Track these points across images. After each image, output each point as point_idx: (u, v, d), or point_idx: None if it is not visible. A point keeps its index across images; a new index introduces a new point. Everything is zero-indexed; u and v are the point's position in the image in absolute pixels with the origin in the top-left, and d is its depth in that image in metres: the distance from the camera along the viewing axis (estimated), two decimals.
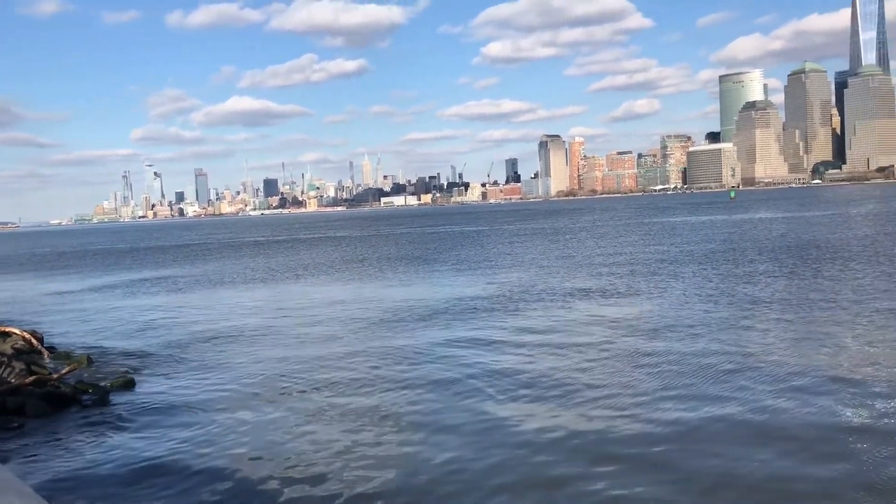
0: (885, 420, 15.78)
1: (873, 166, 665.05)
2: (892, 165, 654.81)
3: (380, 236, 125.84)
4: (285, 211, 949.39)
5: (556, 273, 48.49)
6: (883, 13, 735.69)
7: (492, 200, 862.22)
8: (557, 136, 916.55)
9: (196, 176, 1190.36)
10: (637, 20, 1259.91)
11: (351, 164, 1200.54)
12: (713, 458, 14.23)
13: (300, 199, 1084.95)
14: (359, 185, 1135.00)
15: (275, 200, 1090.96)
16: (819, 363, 20.74)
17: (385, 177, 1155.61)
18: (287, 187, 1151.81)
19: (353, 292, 44.37)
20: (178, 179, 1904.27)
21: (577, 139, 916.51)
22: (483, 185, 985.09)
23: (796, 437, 15.11)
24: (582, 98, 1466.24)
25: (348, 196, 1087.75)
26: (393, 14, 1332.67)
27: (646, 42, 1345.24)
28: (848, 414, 16.36)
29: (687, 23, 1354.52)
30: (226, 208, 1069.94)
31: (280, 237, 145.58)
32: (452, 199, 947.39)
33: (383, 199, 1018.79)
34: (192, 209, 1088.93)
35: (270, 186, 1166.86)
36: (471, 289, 42.27)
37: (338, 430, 17.16)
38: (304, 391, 20.81)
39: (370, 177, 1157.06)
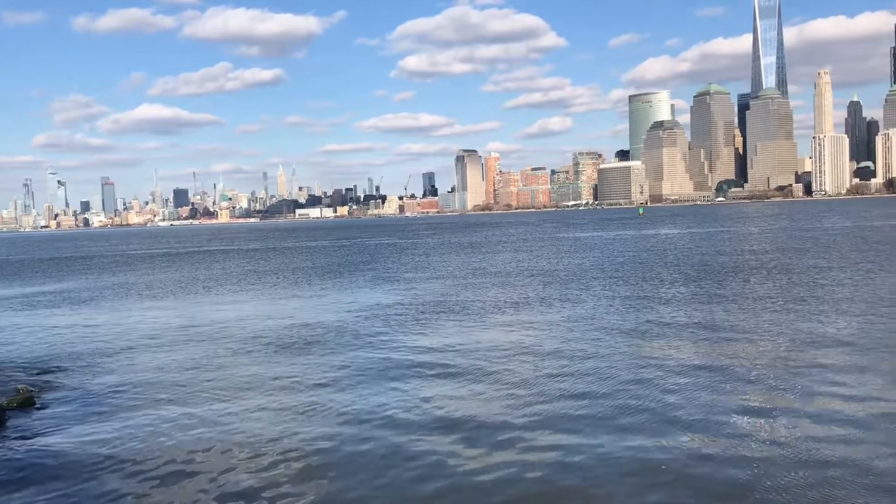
0: (788, 420, 16.77)
1: (773, 185, 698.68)
2: (791, 185, 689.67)
3: (295, 249, 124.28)
4: (196, 222, 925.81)
5: (471, 286, 49.03)
6: (782, 39, 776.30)
7: (409, 213, 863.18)
8: (474, 150, 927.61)
9: (103, 185, 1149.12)
10: (552, 39, 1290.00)
11: (265, 174, 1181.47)
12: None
13: (212, 209, 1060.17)
14: (273, 197, 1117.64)
15: (185, 211, 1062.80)
16: (720, 365, 21.80)
17: (300, 188, 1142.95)
18: (198, 197, 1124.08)
19: (263, 306, 43.74)
20: (84, 188, 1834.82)
21: (493, 154, 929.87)
22: (400, 198, 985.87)
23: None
24: (498, 114, 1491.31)
25: (262, 207, 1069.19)
26: (310, 24, 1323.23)
27: (560, 61, 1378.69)
28: (734, 404, 17.28)
29: (599, 43, 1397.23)
30: (134, 219, 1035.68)
31: (190, 248, 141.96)
32: (369, 212, 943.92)
33: (298, 211, 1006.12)
34: (97, 219, 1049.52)
35: (181, 197, 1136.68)
36: (385, 301, 42.31)
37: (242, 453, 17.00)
38: (210, 413, 20.46)
39: (285, 188, 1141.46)
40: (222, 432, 17.92)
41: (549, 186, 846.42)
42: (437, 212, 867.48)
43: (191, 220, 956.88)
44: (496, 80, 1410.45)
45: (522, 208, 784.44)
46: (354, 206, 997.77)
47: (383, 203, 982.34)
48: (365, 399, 20.59)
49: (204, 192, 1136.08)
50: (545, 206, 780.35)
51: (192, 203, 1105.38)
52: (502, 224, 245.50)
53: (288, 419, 18.88)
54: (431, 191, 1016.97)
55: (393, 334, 31.00)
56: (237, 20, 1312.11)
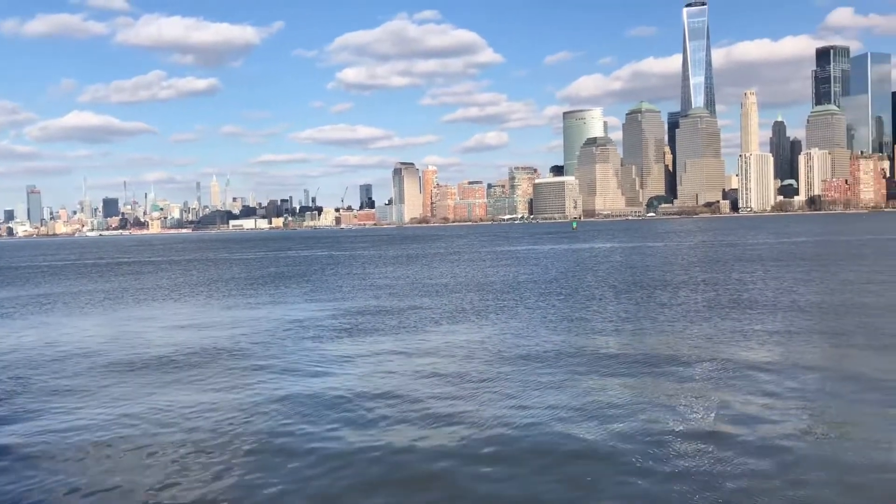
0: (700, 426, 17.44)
1: (701, 201, 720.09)
2: (718, 201, 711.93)
3: (228, 260, 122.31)
4: (126, 232, 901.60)
5: (408, 299, 49.18)
6: (710, 60, 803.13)
7: (346, 226, 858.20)
8: (412, 163, 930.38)
9: (28, 193, 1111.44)
10: (489, 55, 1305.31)
11: (198, 184, 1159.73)
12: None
13: (143, 220, 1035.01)
14: (206, 207, 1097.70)
15: (115, 221, 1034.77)
16: (644, 372, 22.50)
17: (234, 199, 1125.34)
18: (129, 207, 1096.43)
19: (192, 318, 43.03)
20: (8, 196, 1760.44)
21: (430, 167, 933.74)
22: (337, 210, 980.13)
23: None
24: (436, 127, 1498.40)
25: (194, 218, 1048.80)
26: (247, 34, 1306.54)
27: (497, 77, 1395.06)
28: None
29: (535, 60, 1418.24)
30: (61, 228, 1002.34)
31: (121, 259, 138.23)
32: (305, 224, 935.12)
33: (232, 222, 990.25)
34: (22, 228, 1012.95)
35: (110, 206, 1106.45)
36: (319, 314, 42.13)
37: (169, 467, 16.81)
38: (140, 436, 20.13)
39: (219, 198, 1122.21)
40: (127, 448, 17.63)
41: (485, 200, 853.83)
42: (375, 224, 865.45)
43: (121, 231, 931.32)
44: (434, 94, 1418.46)
45: (459, 221, 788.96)
46: (290, 218, 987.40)
47: (319, 215, 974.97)
48: (282, 417, 20.50)
49: (135, 202, 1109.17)
50: (482, 220, 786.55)
51: (123, 213, 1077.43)
52: (440, 237, 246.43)
53: (195, 421, 18.73)
54: (369, 203, 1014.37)
55: (321, 347, 30.88)
56: (171, 28, 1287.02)
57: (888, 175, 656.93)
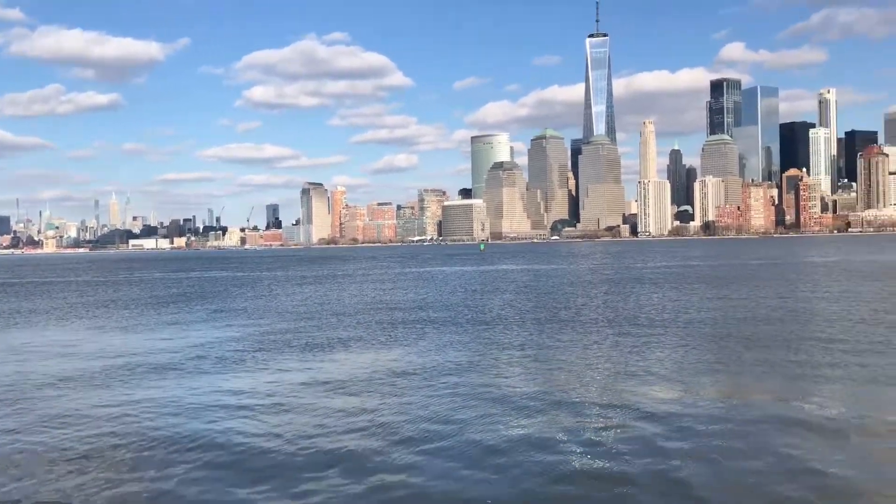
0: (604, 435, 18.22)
1: (603, 225, 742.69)
2: (619, 225, 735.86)
3: (126, 281, 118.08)
4: (18, 251, 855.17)
5: (314, 320, 48.89)
6: (611, 90, 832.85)
7: (251, 246, 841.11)
8: (320, 184, 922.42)
9: None
10: (398, 78, 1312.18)
11: (97, 202, 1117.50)
12: None
13: (37, 238, 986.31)
14: (105, 226, 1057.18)
15: (6, 240, 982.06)
16: (548, 392, 23.25)
17: (135, 218, 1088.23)
18: (21, 225, 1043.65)
19: (87, 341, 41.54)
20: None
21: (339, 188, 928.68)
22: (242, 229, 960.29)
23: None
24: (345, 148, 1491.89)
25: (92, 237, 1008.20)
26: (151, 50, 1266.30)
27: (406, 100, 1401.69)
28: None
29: (444, 85, 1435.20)
30: None
31: (10, 280, 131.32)
32: (209, 244, 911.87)
33: (132, 242, 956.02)
34: None
35: (2, 224, 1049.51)
36: (220, 337, 41.41)
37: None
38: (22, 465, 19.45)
39: (118, 217, 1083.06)
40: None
41: (395, 221, 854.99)
42: (281, 245, 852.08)
43: (12, 250, 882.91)
44: (343, 115, 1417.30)
45: (368, 242, 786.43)
46: (193, 238, 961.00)
47: (224, 235, 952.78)
48: (174, 440, 20.25)
49: (28, 220, 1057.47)
50: (391, 241, 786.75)
51: (15, 231, 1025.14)
52: (349, 258, 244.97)
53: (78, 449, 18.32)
54: (275, 223, 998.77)
55: (222, 372, 30.36)
56: (71, 41, 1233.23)
57: (776, 202, 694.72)
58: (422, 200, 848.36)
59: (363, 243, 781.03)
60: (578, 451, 17.80)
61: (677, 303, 53.79)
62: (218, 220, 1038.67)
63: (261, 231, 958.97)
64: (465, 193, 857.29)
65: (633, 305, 52.84)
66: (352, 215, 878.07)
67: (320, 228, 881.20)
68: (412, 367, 29.73)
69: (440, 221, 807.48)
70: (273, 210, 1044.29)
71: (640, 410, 21.34)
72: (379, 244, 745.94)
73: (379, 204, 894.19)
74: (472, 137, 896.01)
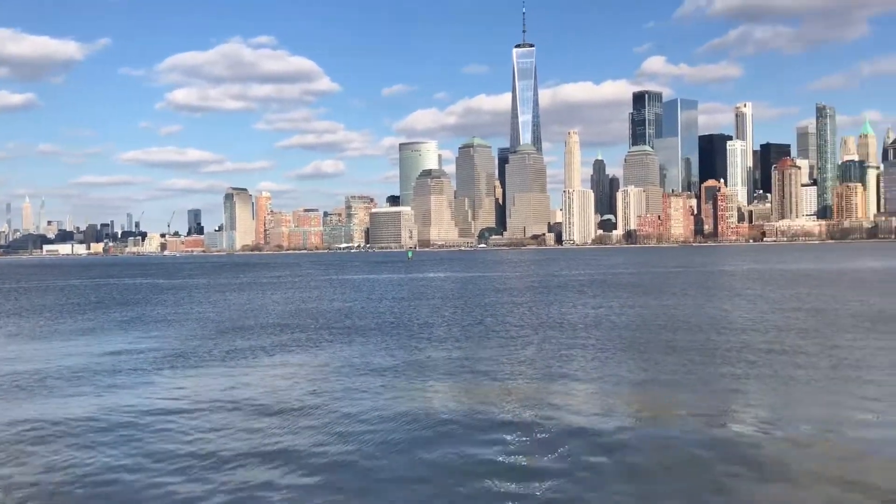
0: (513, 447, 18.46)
1: (529, 233, 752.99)
2: (544, 233, 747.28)
3: (39, 288, 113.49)
4: None
5: (236, 329, 48.01)
6: (537, 100, 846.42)
7: (171, 252, 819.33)
8: (244, 189, 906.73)
9: None
10: (326, 84, 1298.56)
11: (9, 206, 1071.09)
12: None
13: None
14: (17, 231, 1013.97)
15: None
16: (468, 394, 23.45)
17: (49, 222, 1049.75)
18: None
19: None
20: None
21: (264, 194, 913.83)
22: (163, 235, 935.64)
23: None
24: (271, 153, 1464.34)
25: (4, 242, 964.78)
26: (69, 49, 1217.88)
27: (334, 105, 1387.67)
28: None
29: (372, 91, 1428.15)
30: None
31: None
32: (127, 250, 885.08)
33: (46, 247, 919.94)
34: None
35: None
36: (140, 346, 40.26)
37: None
38: None
39: (31, 221, 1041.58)
40: None
41: (321, 228, 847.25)
42: (203, 251, 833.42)
43: None
44: (269, 120, 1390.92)
45: (294, 249, 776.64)
46: (111, 243, 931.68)
47: (144, 241, 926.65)
48: (86, 451, 19.66)
49: None
50: (317, 248, 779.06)
51: None
52: (273, 265, 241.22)
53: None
54: (197, 229, 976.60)
55: (139, 381, 29.62)
56: None
57: (695, 212, 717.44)
58: (349, 207, 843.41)
59: (288, 250, 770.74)
60: (497, 461, 17.96)
61: (599, 310, 54.93)
62: (137, 225, 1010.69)
63: (182, 237, 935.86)
64: (393, 200, 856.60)
65: (556, 312, 53.72)
66: (277, 221, 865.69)
67: (244, 235, 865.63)
68: (334, 374, 29.50)
69: (368, 229, 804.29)
70: (195, 215, 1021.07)
71: (559, 420, 21.64)
72: (305, 251, 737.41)
73: (305, 210, 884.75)
74: (401, 144, 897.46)
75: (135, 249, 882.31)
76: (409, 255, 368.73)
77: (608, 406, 23.11)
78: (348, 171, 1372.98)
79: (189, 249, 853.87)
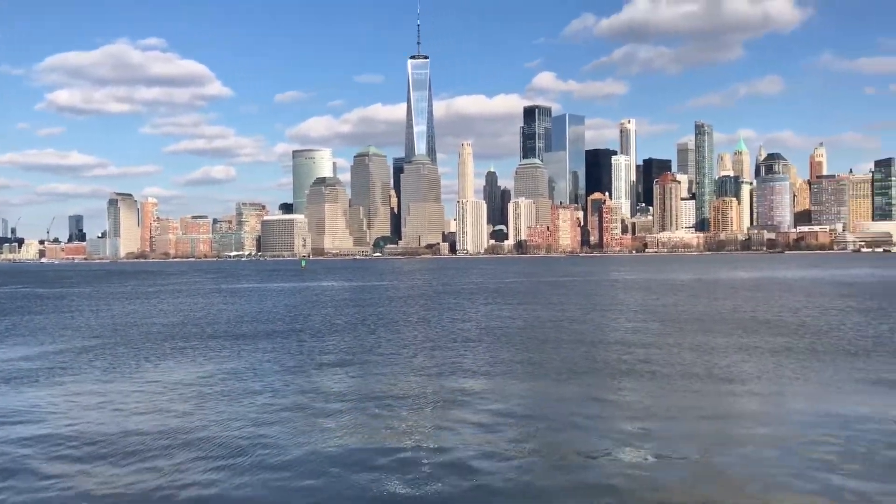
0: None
1: (423, 243, 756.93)
2: (438, 243, 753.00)
3: None
4: None
5: (119, 340, 46.39)
6: (432, 110, 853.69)
7: (49, 260, 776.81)
8: (129, 194, 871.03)
9: None
10: (217, 88, 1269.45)
11: None
12: None
13: None
14: None
15: None
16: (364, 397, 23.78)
17: None
18: None
19: None
20: None
21: (150, 200, 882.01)
22: (41, 242, 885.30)
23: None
24: (158, 158, 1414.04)
25: None
26: None
27: (225, 110, 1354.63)
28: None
29: (265, 97, 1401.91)
30: None
31: None
32: (2, 256, 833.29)
33: None
34: None
35: None
36: (13, 356, 38.42)
37: None
38: None
39: None
40: None
41: (210, 236, 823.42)
42: (85, 258, 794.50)
43: None
44: (157, 124, 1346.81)
45: (182, 257, 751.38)
46: None
47: (20, 247, 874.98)
48: None
49: None
50: (206, 256, 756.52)
51: None
52: (159, 273, 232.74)
53: None
54: (79, 235, 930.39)
55: (7, 392, 28.51)
56: None
57: (582, 224, 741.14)
58: (240, 214, 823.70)
59: (176, 258, 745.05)
60: (386, 468, 18.40)
61: (489, 316, 56.24)
62: (13, 231, 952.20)
63: (63, 244, 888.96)
64: (286, 208, 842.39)
65: (448, 320, 54.63)
66: (164, 228, 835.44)
67: (129, 242, 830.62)
68: (222, 384, 29.13)
69: (259, 236, 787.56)
70: (77, 221, 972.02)
71: (450, 429, 22.25)
72: (193, 259, 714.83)
73: (193, 217, 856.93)
74: (294, 151, 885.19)
75: (10, 256, 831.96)
76: (303, 263, 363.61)
77: (491, 421, 23.90)
78: (240, 177, 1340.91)
79: (70, 257, 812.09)
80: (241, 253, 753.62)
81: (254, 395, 26.78)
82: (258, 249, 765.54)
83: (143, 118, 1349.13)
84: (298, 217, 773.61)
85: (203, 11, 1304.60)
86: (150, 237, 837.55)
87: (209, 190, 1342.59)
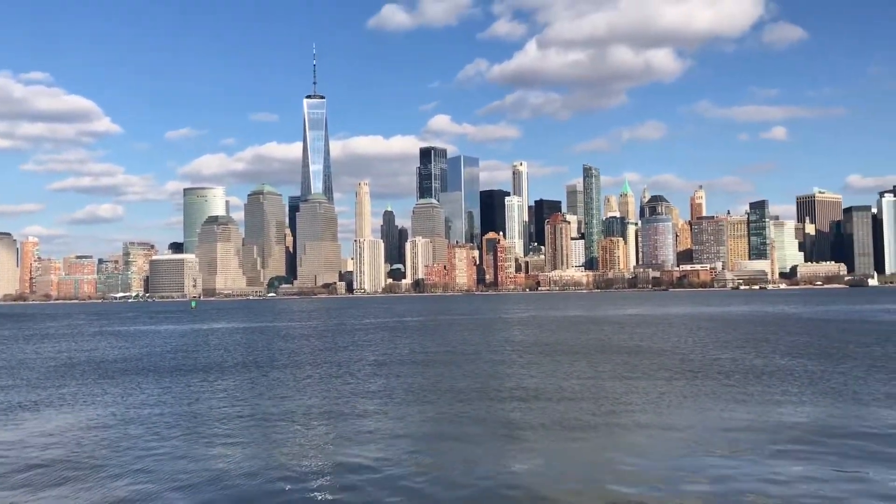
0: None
1: (320, 282, 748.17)
2: (335, 282, 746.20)
3: None
4: None
5: None
6: (328, 150, 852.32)
7: None
8: (8, 234, 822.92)
9: None
10: (105, 124, 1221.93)
11: None
12: None
13: None
14: None
15: None
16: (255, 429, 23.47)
17: None
18: None
19: None
20: None
21: (31, 239, 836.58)
22: None
23: None
24: (41, 196, 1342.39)
25: None
26: None
27: (113, 147, 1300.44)
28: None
29: (156, 134, 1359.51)
30: None
31: None
32: None
33: None
34: None
35: None
36: None
37: None
38: None
39: None
40: None
41: (96, 276, 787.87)
42: None
43: None
44: (40, 160, 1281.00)
45: (64, 299, 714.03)
46: None
47: None
48: None
49: None
50: (91, 298, 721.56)
51: None
52: (39, 316, 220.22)
53: None
54: None
55: None
56: None
57: (477, 262, 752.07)
58: (127, 254, 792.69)
59: (58, 300, 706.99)
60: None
61: (387, 355, 56.32)
62: None
63: None
64: (176, 248, 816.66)
65: (343, 359, 54.37)
66: (45, 269, 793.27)
67: (6, 283, 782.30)
68: (104, 430, 28.09)
69: (147, 277, 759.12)
70: None
71: (341, 464, 22.36)
72: (77, 301, 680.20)
73: (78, 257, 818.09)
74: (185, 189, 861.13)
75: None
76: (193, 304, 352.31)
77: (383, 455, 24.08)
78: (128, 216, 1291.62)
79: None
80: (127, 294, 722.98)
81: (135, 440, 25.93)
82: (146, 290, 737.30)
83: (26, 154, 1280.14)
84: (189, 257, 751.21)
85: (90, 46, 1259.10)
86: (31, 278, 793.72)
87: (95, 229, 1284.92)
